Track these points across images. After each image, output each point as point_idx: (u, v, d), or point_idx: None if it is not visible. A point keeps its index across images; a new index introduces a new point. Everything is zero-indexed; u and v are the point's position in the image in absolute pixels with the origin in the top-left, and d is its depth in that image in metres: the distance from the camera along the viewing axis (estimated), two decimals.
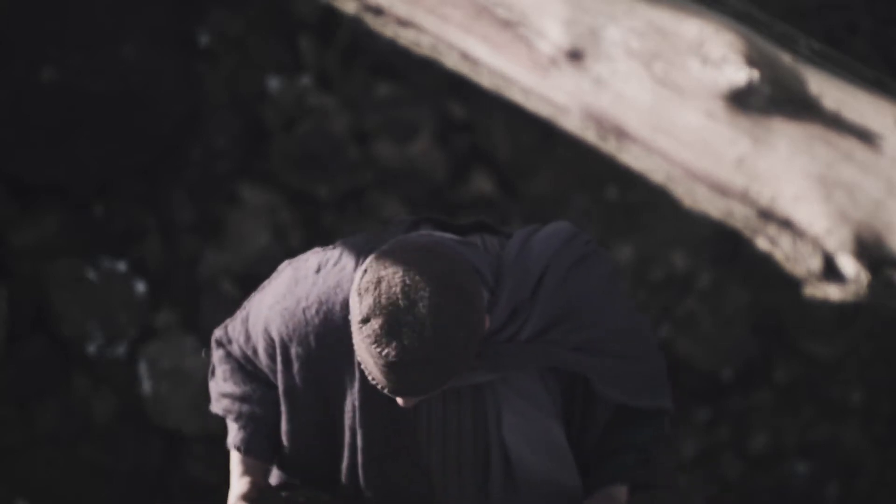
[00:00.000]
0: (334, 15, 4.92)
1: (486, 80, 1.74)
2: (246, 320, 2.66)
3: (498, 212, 5.21)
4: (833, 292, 1.60)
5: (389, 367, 2.37)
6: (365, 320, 2.37)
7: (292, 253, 4.86)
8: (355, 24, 1.91)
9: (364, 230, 5.19)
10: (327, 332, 2.55)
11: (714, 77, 1.60)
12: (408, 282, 2.38)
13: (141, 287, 4.87)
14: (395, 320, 2.37)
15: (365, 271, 2.40)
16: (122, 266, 4.87)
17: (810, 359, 5.26)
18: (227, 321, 2.72)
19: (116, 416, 4.80)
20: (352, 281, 2.48)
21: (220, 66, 5.03)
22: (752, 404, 5.24)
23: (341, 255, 2.58)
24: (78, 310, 4.79)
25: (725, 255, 5.22)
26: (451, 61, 1.75)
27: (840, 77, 1.66)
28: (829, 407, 5.26)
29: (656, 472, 2.71)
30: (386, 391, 2.41)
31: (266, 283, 2.66)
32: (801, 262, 1.59)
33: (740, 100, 1.60)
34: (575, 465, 2.61)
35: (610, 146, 1.68)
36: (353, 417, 2.59)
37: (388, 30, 1.81)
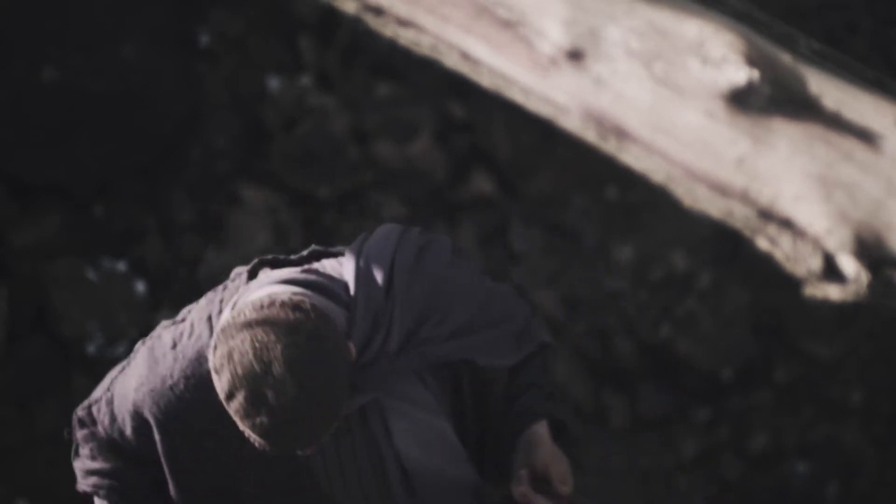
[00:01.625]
0: (334, 15, 4.92)
1: (486, 80, 1.74)
2: (111, 402, 2.64)
3: (498, 212, 5.21)
4: (833, 292, 1.60)
5: (266, 434, 2.35)
6: (229, 397, 2.36)
7: (292, 253, 4.87)
8: (355, 24, 1.91)
9: (363, 230, 5.19)
10: (201, 406, 2.52)
11: (714, 77, 1.61)
12: (257, 345, 2.35)
13: (141, 287, 4.87)
14: (256, 389, 2.34)
15: (215, 347, 2.38)
16: (122, 266, 4.87)
17: (810, 359, 5.26)
18: (89, 402, 2.69)
19: None
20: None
21: (220, 66, 5.03)
22: (752, 404, 5.24)
23: (192, 325, 2.57)
24: (78, 310, 4.79)
25: (725, 255, 5.22)
26: (451, 61, 1.75)
27: (840, 77, 1.66)
28: (829, 407, 5.26)
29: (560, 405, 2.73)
30: (262, 442, 2.39)
31: (123, 364, 2.63)
32: (801, 262, 1.59)
33: (740, 100, 1.60)
34: (467, 456, 2.60)
35: (610, 146, 1.68)
36: (250, 479, 2.58)
37: (389, 30, 1.81)
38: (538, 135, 5.14)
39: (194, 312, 2.59)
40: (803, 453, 5.24)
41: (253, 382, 2.34)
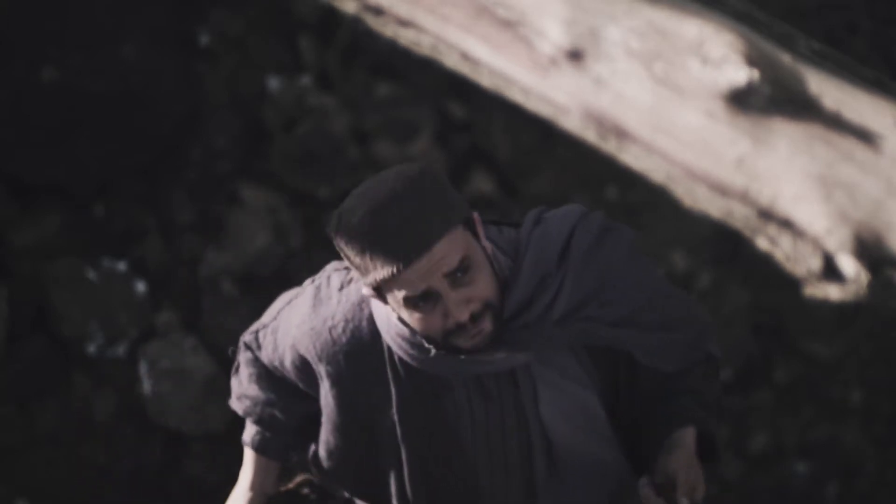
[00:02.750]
0: (334, 15, 4.92)
1: (486, 80, 1.74)
2: (276, 331, 2.72)
3: (498, 212, 5.21)
4: (833, 292, 1.60)
5: (373, 218, 2.40)
6: (351, 212, 2.45)
7: (292, 253, 4.86)
8: (355, 24, 1.92)
9: None
10: (356, 351, 2.61)
11: (714, 77, 1.61)
12: (380, 179, 2.49)
13: (141, 287, 4.87)
14: (371, 197, 2.47)
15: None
16: (122, 266, 4.87)
17: (810, 359, 5.26)
18: (258, 326, 2.77)
19: (117, 415, 4.80)
20: (372, 307, 2.53)
21: (220, 66, 5.03)
22: (752, 404, 5.24)
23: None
24: (78, 310, 4.79)
25: (725, 255, 5.22)
26: (452, 61, 1.75)
27: (840, 77, 1.66)
28: (829, 407, 5.26)
29: (715, 415, 2.71)
30: (389, 265, 2.41)
31: (292, 295, 2.69)
32: (801, 261, 1.60)
33: (740, 100, 1.61)
34: (615, 439, 2.61)
35: (610, 146, 1.68)
36: (394, 433, 2.60)
37: (389, 30, 1.81)
38: (538, 135, 5.14)
39: None
40: (803, 453, 5.24)
41: (370, 195, 2.46)
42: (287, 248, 4.99)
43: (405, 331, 2.53)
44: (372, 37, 4.51)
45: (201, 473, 4.86)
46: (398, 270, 2.42)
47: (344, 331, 2.60)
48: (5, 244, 4.77)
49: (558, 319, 2.54)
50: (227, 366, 4.90)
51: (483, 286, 2.46)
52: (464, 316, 2.44)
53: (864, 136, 1.58)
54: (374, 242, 2.44)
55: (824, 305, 5.12)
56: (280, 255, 4.99)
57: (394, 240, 2.43)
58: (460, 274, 2.44)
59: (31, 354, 4.75)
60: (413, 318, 2.46)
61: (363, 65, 5.13)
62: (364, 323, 2.57)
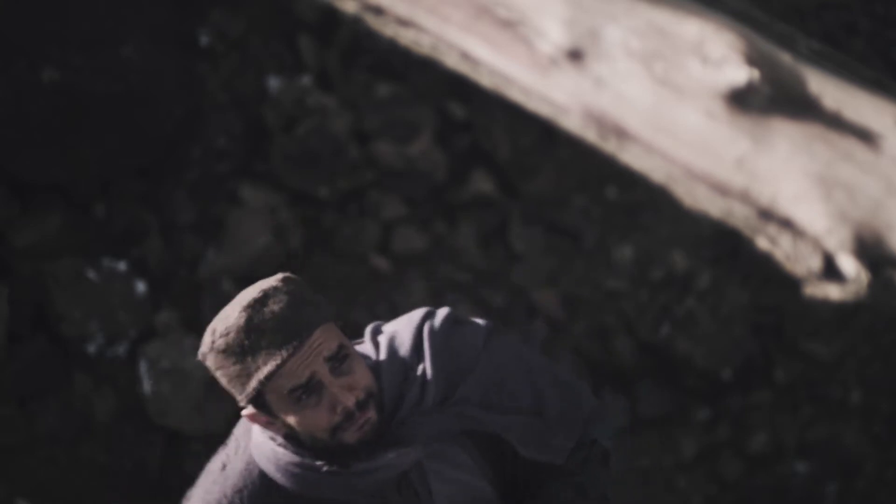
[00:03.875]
0: (335, 15, 4.92)
1: (486, 80, 1.75)
2: None
3: (498, 212, 5.21)
4: (833, 292, 1.60)
5: (250, 316, 2.45)
6: (218, 322, 2.47)
7: (292, 253, 4.84)
8: (355, 24, 1.92)
9: (363, 230, 5.19)
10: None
11: (714, 77, 1.61)
12: (244, 292, 2.56)
13: (141, 287, 4.87)
14: (242, 303, 2.51)
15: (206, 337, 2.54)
16: (122, 266, 4.87)
17: (809, 358, 5.26)
18: None
19: (117, 415, 4.80)
20: (257, 457, 2.56)
21: (220, 66, 5.03)
22: (752, 404, 5.24)
23: (237, 440, 2.68)
24: (79, 309, 4.79)
25: (725, 255, 5.22)
26: (452, 61, 1.76)
27: (840, 77, 1.66)
28: (829, 406, 5.26)
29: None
30: (272, 357, 2.44)
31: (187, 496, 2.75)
32: (801, 261, 1.60)
33: (740, 99, 1.61)
34: None
35: (610, 146, 1.68)
36: None
37: (389, 29, 1.82)
38: (538, 135, 5.14)
39: (238, 428, 2.69)
40: (803, 453, 5.24)
41: (240, 300, 2.52)
42: (287, 248, 4.99)
43: (293, 456, 2.55)
44: (372, 37, 4.51)
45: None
46: (282, 360, 2.45)
47: (241, 500, 2.61)
48: (6, 244, 4.77)
49: (433, 408, 2.58)
50: None
51: (362, 375, 2.50)
52: (350, 401, 2.47)
53: (864, 136, 1.58)
54: (253, 339, 2.48)
55: (824, 305, 5.12)
56: (280, 255, 4.99)
57: (273, 332, 2.48)
58: (340, 362, 2.48)
59: (31, 354, 4.75)
60: (300, 417, 2.49)
61: (363, 65, 5.13)
62: (258, 481, 2.60)
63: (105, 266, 4.86)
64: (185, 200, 4.94)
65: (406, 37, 1.80)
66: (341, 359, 2.50)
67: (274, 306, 2.49)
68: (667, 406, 5.24)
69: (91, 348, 4.81)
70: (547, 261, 5.23)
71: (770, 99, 1.60)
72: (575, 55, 1.67)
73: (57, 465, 4.73)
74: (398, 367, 2.60)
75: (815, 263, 1.57)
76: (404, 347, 2.62)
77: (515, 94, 1.74)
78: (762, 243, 1.63)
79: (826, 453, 5.23)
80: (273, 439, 2.56)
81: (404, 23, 1.80)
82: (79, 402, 4.78)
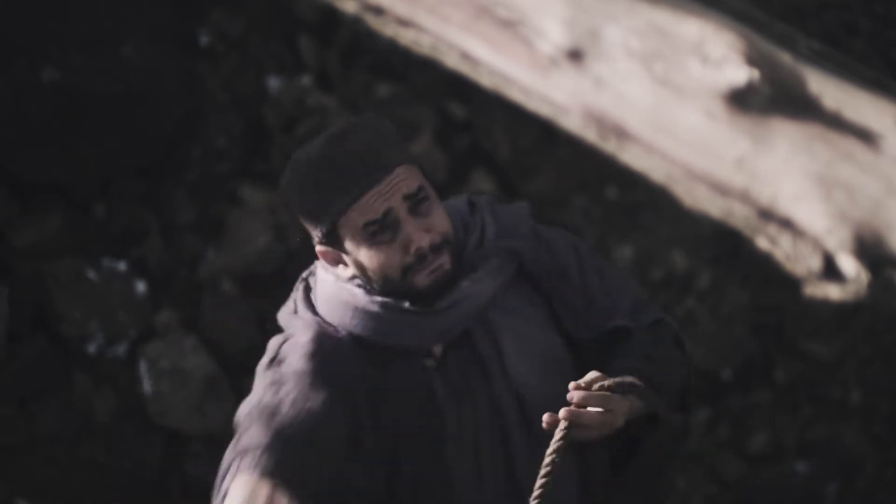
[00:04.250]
0: (334, 15, 4.92)
1: (486, 80, 1.75)
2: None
3: None
4: (833, 292, 1.60)
5: (332, 146, 2.45)
6: (300, 151, 2.48)
7: (292, 253, 4.86)
8: (355, 24, 1.92)
9: None
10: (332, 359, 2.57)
11: (714, 77, 1.61)
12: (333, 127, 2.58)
13: (141, 287, 4.87)
14: (327, 134, 2.52)
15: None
16: (122, 266, 4.87)
17: (809, 358, 5.26)
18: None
19: (117, 415, 4.80)
20: (326, 312, 2.53)
21: (220, 67, 5.03)
22: (752, 404, 5.24)
23: (295, 316, 2.65)
24: (78, 309, 4.79)
25: (725, 255, 5.22)
26: (452, 61, 1.76)
27: (840, 77, 1.66)
28: (829, 406, 5.27)
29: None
30: (352, 188, 2.44)
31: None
32: (801, 261, 1.60)
33: (740, 99, 1.61)
34: (568, 372, 2.57)
35: (610, 146, 1.68)
36: (389, 418, 2.57)
37: (389, 29, 1.82)
38: (538, 135, 5.14)
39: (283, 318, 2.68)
40: (803, 453, 5.24)
41: (326, 133, 2.52)
42: (287, 248, 4.99)
43: (361, 295, 2.50)
44: (372, 37, 4.51)
45: (201, 473, 4.86)
46: (359, 190, 2.42)
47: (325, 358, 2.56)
48: (5, 244, 4.77)
49: (494, 237, 2.59)
50: (227, 365, 4.91)
51: (440, 219, 2.48)
52: (424, 241, 2.44)
53: (864, 136, 1.58)
54: (334, 168, 2.45)
55: (824, 305, 5.12)
56: (280, 255, 4.99)
57: (354, 164, 2.45)
58: (419, 203, 2.45)
59: (31, 354, 4.75)
60: (372, 254, 2.45)
61: (363, 65, 5.13)
62: (330, 338, 2.56)
63: (105, 266, 4.86)
64: (185, 200, 4.95)
65: (406, 37, 1.80)
66: (420, 200, 2.46)
67: (357, 140, 2.45)
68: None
69: (91, 348, 4.82)
70: None
71: (770, 99, 1.60)
72: (575, 55, 1.67)
73: (57, 465, 4.73)
74: (458, 218, 2.59)
75: (816, 263, 1.57)
76: (458, 206, 2.62)
77: (515, 94, 1.74)
78: (762, 243, 1.63)
79: (826, 453, 5.23)
80: (338, 277, 2.51)
81: (404, 23, 1.80)
82: (79, 402, 4.78)
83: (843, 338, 5.23)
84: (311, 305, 2.60)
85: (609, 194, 5.23)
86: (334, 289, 2.55)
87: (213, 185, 4.98)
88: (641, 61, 1.61)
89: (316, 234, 2.50)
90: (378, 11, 1.79)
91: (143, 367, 4.82)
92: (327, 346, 2.55)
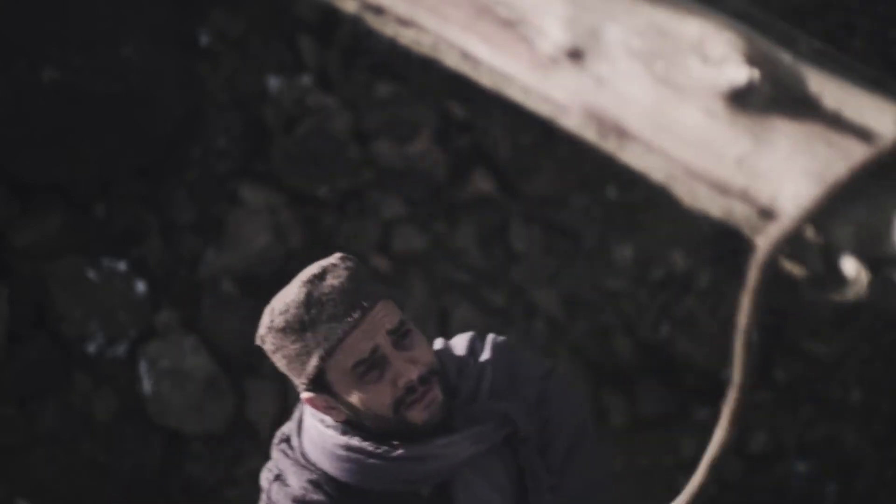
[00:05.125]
0: (335, 15, 4.92)
1: (486, 80, 1.74)
2: None
3: (498, 212, 5.21)
4: (833, 292, 1.60)
5: (311, 290, 2.43)
6: (277, 300, 2.46)
7: (292, 253, 4.86)
8: (356, 23, 1.92)
9: (363, 230, 5.19)
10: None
11: (714, 76, 1.61)
12: (302, 271, 2.53)
13: (141, 287, 4.87)
14: (302, 279, 2.49)
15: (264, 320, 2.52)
16: (122, 266, 4.87)
17: (810, 358, 5.26)
18: None
19: (117, 415, 4.80)
20: (309, 450, 2.54)
21: (220, 66, 5.03)
22: (752, 403, 5.24)
23: (286, 446, 2.63)
24: (79, 309, 4.79)
25: (725, 255, 5.22)
26: (452, 61, 1.75)
27: (840, 77, 1.66)
28: (829, 406, 5.26)
29: None
30: (335, 330, 2.42)
31: None
32: (801, 261, 1.60)
33: (741, 99, 1.61)
34: None
35: (610, 145, 1.68)
36: None
37: (389, 29, 1.81)
38: (538, 135, 5.14)
39: (274, 441, 2.67)
40: (803, 452, 5.24)
41: (300, 278, 2.49)
42: (287, 248, 4.99)
43: (339, 438, 2.51)
44: (372, 37, 4.51)
45: (201, 473, 4.86)
46: (345, 331, 2.43)
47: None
48: (6, 244, 4.77)
49: (488, 395, 2.56)
50: (226, 365, 4.91)
51: (424, 351, 2.48)
52: (413, 374, 2.44)
53: (865, 136, 1.58)
54: (314, 313, 2.45)
55: (824, 305, 5.12)
56: (280, 255, 4.99)
57: (335, 304, 2.45)
58: (402, 337, 2.46)
59: (31, 354, 4.75)
60: (363, 394, 2.45)
61: (363, 65, 5.13)
62: (314, 478, 2.58)
63: (105, 266, 4.86)
64: (185, 200, 4.95)
65: (406, 36, 1.80)
66: (403, 333, 2.46)
67: (334, 280, 2.45)
68: (667, 406, 5.24)
69: (91, 348, 4.82)
70: (547, 261, 5.22)
71: (770, 98, 1.60)
72: (575, 54, 1.67)
73: (57, 465, 4.73)
74: (453, 362, 2.57)
75: (816, 263, 1.57)
76: (460, 348, 2.60)
77: (515, 94, 1.74)
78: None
79: (826, 453, 5.23)
80: (322, 422, 2.52)
81: (404, 22, 1.80)
82: (79, 402, 4.78)
83: (843, 338, 5.23)
84: (300, 452, 2.62)
85: (609, 194, 5.23)
86: (309, 425, 2.58)
87: (213, 185, 4.98)
88: (642, 61, 1.61)
89: (302, 382, 2.50)
90: (378, 11, 1.79)
91: (142, 367, 4.82)
92: (314, 496, 2.58)
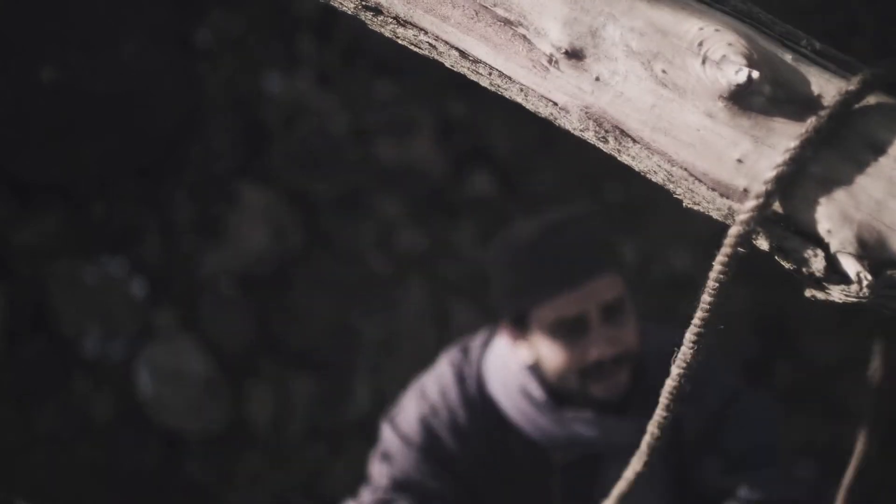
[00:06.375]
0: (334, 14, 4.92)
1: (485, 80, 1.74)
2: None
3: (498, 212, 5.20)
4: (834, 293, 1.59)
5: (550, 235, 2.42)
6: (516, 229, 2.46)
7: (292, 253, 4.84)
8: (355, 23, 1.91)
9: (363, 230, 5.19)
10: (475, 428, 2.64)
11: (715, 77, 1.60)
12: (550, 212, 2.56)
13: (141, 287, 4.87)
14: (547, 220, 2.51)
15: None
16: (121, 266, 4.87)
17: (812, 360, 5.25)
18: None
19: (116, 416, 4.80)
20: (487, 373, 2.57)
21: (220, 66, 5.02)
22: None
23: (462, 359, 2.63)
24: (77, 309, 4.78)
25: None
26: (451, 61, 1.75)
27: (841, 77, 1.65)
28: (830, 407, 5.26)
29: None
30: (556, 283, 2.42)
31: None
32: (802, 262, 1.59)
33: (741, 99, 1.60)
34: None
35: (610, 146, 1.67)
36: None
37: (387, 29, 1.81)
38: (538, 135, 5.13)
39: (447, 357, 2.74)
40: (804, 454, 5.24)
41: (545, 218, 2.50)
42: (286, 248, 4.98)
43: (531, 382, 2.51)
44: (371, 36, 4.50)
45: (200, 473, 4.86)
46: (556, 291, 2.42)
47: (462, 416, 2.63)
48: (5, 244, 4.77)
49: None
50: (226, 366, 4.90)
51: (630, 333, 2.48)
52: (607, 353, 2.44)
53: (867, 136, 1.57)
54: (541, 259, 2.44)
55: (825, 306, 5.10)
56: (279, 255, 4.98)
57: (563, 261, 2.44)
58: (613, 313, 2.45)
59: (30, 354, 4.74)
60: (555, 348, 2.45)
61: (363, 64, 5.12)
62: (479, 399, 2.59)
63: (104, 266, 4.85)
64: (184, 200, 4.94)
65: (405, 36, 1.80)
66: (615, 311, 2.46)
67: (572, 235, 2.45)
68: None
69: (90, 348, 4.81)
70: None
71: (771, 99, 1.60)
72: (575, 55, 1.66)
73: (56, 466, 4.73)
74: (660, 345, 2.58)
75: (817, 265, 1.56)
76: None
77: (515, 94, 1.74)
78: (763, 244, 1.62)
79: (827, 455, 5.22)
80: (513, 355, 2.52)
81: (403, 22, 1.79)
82: (77, 403, 4.77)
83: (844, 339, 5.22)
84: (477, 368, 2.64)
85: (609, 194, 5.22)
86: (504, 364, 2.58)
87: (213, 185, 4.97)
88: (641, 61, 1.60)
89: (507, 312, 2.51)
90: (377, 11, 1.79)
91: (142, 367, 4.82)
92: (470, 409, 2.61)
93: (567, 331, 2.46)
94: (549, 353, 2.48)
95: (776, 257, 1.64)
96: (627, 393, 2.51)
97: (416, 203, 5.14)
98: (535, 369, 2.53)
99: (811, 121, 1.51)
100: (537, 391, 2.52)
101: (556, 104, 1.68)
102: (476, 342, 2.69)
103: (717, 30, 1.60)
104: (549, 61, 1.67)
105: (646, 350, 2.55)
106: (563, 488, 2.58)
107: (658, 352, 2.57)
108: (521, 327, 2.50)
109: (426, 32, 1.75)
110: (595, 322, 2.45)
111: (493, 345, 2.61)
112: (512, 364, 2.54)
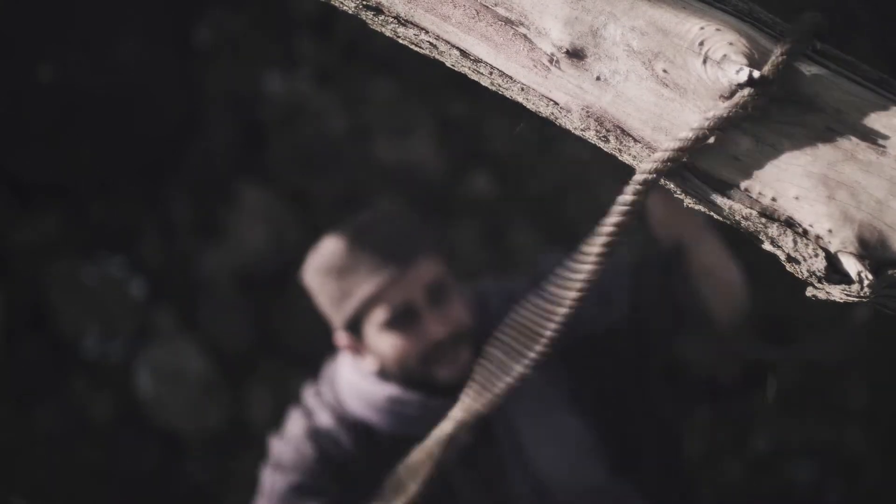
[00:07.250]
0: (333, 14, 4.91)
1: (486, 80, 1.74)
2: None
3: (498, 212, 5.20)
4: (835, 293, 1.59)
5: (357, 237, 2.46)
6: (324, 243, 2.49)
7: (291, 253, 4.85)
8: (354, 22, 1.91)
9: None
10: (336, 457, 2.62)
11: (716, 76, 1.60)
12: (357, 216, 2.60)
13: (140, 287, 4.86)
14: (352, 225, 2.57)
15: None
16: (121, 266, 4.86)
17: (811, 360, 5.24)
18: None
19: (115, 416, 4.79)
20: (347, 400, 2.57)
21: (218, 65, 5.02)
22: (754, 406, 5.23)
23: (318, 395, 2.65)
24: (76, 309, 4.78)
25: None
26: (451, 60, 1.75)
27: (843, 76, 1.65)
28: (832, 409, 5.25)
29: None
30: (374, 279, 2.45)
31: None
32: (802, 262, 1.59)
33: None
34: (605, 459, 2.60)
35: (611, 146, 1.67)
36: None
37: (388, 29, 1.81)
38: (538, 135, 5.13)
39: (308, 392, 2.77)
40: (805, 455, 5.23)
41: (351, 223, 2.56)
42: (286, 248, 4.98)
43: (387, 386, 2.53)
44: (371, 36, 4.50)
45: (199, 473, 4.85)
46: (383, 282, 2.45)
47: (338, 448, 2.63)
48: (5, 244, 4.76)
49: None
50: (225, 366, 4.90)
51: (459, 310, 2.50)
52: (441, 333, 2.46)
53: (868, 136, 1.57)
54: (358, 259, 2.48)
55: (826, 306, 5.10)
56: (279, 255, 4.98)
57: (377, 253, 2.48)
58: (438, 294, 2.48)
59: (29, 354, 4.74)
60: (392, 342, 2.48)
61: (362, 63, 5.12)
62: (350, 426, 2.60)
63: (104, 266, 4.85)
64: (184, 200, 4.94)
65: (405, 35, 1.79)
66: (439, 290, 2.50)
67: (382, 229, 2.49)
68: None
69: (89, 348, 4.81)
70: None
71: (771, 99, 1.60)
72: (576, 54, 1.66)
73: (55, 466, 4.72)
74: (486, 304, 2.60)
75: (817, 264, 1.56)
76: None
77: (515, 94, 1.73)
78: (763, 244, 1.62)
79: (828, 456, 5.22)
80: (359, 372, 2.54)
81: (403, 22, 1.79)
82: (76, 403, 4.77)
83: (845, 339, 5.22)
84: (335, 399, 2.64)
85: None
86: (354, 380, 2.58)
87: (212, 185, 4.97)
88: (642, 61, 1.60)
89: (337, 321, 2.53)
90: (377, 10, 1.78)
91: (141, 367, 4.81)
92: (342, 434, 2.61)
93: (399, 322, 2.49)
94: (388, 348, 2.51)
95: (777, 257, 1.64)
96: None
97: (416, 203, 5.14)
98: (383, 373, 2.55)
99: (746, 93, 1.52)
100: (398, 391, 2.54)
101: (556, 104, 1.68)
102: (324, 379, 2.70)
103: (718, 29, 1.60)
104: (550, 61, 1.67)
105: (486, 316, 2.56)
106: (463, 473, 2.59)
107: (498, 310, 2.59)
108: (356, 336, 2.52)
109: (427, 32, 1.75)
110: (423, 306, 2.48)
111: (340, 377, 2.63)
112: (363, 381, 2.55)
